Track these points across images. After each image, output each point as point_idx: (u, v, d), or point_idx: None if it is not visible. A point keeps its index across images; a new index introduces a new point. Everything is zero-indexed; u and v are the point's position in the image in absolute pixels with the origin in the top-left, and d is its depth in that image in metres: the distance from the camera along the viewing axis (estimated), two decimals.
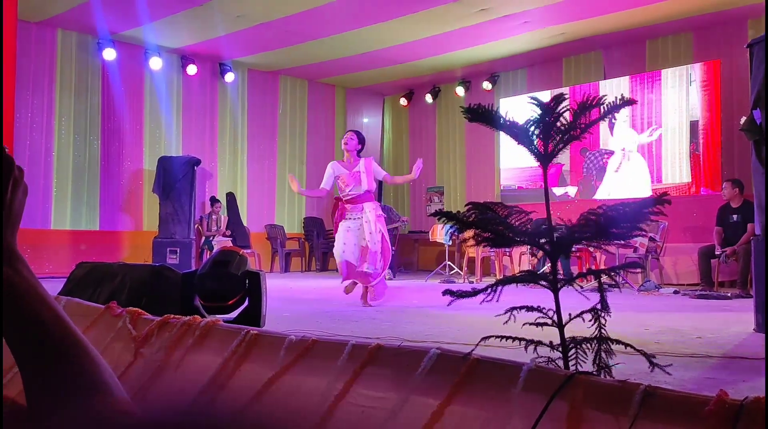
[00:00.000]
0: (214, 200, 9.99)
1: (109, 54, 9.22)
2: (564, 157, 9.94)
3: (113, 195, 9.47)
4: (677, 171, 8.72)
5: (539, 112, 1.58)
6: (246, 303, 3.42)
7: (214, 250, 9.25)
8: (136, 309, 2.40)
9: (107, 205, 9.39)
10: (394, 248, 9.51)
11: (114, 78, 9.45)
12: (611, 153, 9.36)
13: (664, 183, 8.71)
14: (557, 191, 9.91)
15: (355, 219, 5.39)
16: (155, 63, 9.65)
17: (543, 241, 1.55)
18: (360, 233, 5.29)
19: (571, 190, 9.80)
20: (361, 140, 5.60)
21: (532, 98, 1.61)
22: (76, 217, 9.12)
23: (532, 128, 1.57)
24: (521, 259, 9.00)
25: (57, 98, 9.00)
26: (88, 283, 3.52)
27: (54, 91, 8.97)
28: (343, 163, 5.53)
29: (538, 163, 1.65)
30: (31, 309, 0.61)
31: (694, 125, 8.61)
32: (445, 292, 1.67)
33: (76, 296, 2.96)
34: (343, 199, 5.52)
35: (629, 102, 1.46)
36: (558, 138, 1.54)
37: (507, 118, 1.59)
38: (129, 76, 9.63)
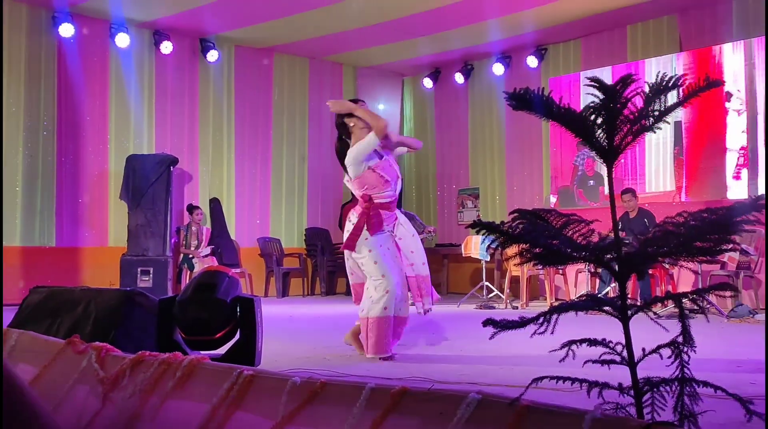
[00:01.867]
0: (193, 208, 10.08)
1: (67, 30, 9.36)
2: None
3: (72, 203, 9.59)
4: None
5: (601, 96, 1.58)
6: (237, 336, 3.45)
7: (197, 271, 9.34)
8: (104, 344, 2.44)
9: (65, 215, 9.51)
10: None
11: (72, 60, 9.59)
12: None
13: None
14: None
15: (388, 233, 4.61)
16: (122, 40, 9.78)
17: (609, 257, 1.55)
18: (395, 256, 4.57)
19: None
20: None
21: (592, 79, 1.61)
22: (28, 230, 9.25)
23: (593, 117, 1.57)
24: (578, 277, 8.96)
25: (4, 86, 9.14)
26: (45, 313, 3.58)
27: None
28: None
29: (601, 160, 1.65)
30: None
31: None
32: (486, 322, 1.67)
33: (30, 328, 3.01)
34: (375, 200, 4.58)
35: (714, 83, 1.46)
36: (626, 129, 1.54)
37: (561, 105, 1.59)
38: (90, 56, 9.77)
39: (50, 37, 9.45)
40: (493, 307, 8.61)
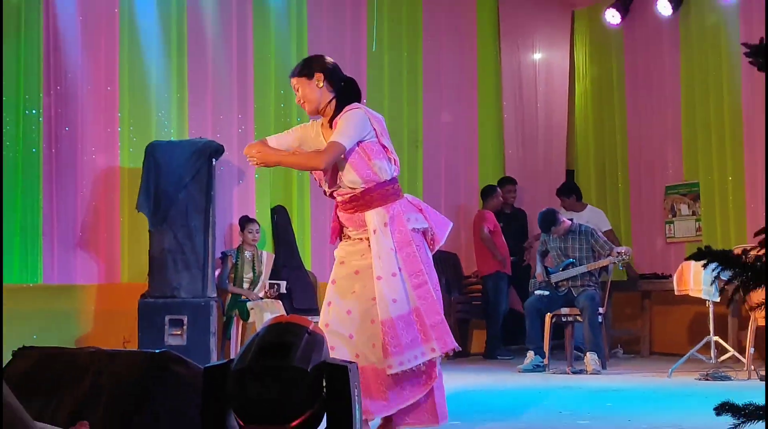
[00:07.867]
0: (247, 222, 10.10)
1: None
2: None
3: (68, 219, 9.91)
4: None
5: None
6: (323, 424, 3.51)
7: (254, 321, 9.39)
8: None
9: (58, 238, 9.81)
10: (602, 309, 9.42)
11: (66, 4, 9.97)
12: None
13: None
14: None
15: (353, 250, 5.41)
16: None
17: None
18: (366, 290, 5.14)
19: None
20: (333, 76, 5.22)
21: None
22: (4, 261, 9.62)
23: None
24: None
25: None
26: (37, 388, 3.72)
27: None
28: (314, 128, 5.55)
29: None
30: None
31: None
32: (721, 409, 1.68)
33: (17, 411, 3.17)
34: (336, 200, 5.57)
35: None
36: None
37: None
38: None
39: None
40: (729, 378, 8.40)
